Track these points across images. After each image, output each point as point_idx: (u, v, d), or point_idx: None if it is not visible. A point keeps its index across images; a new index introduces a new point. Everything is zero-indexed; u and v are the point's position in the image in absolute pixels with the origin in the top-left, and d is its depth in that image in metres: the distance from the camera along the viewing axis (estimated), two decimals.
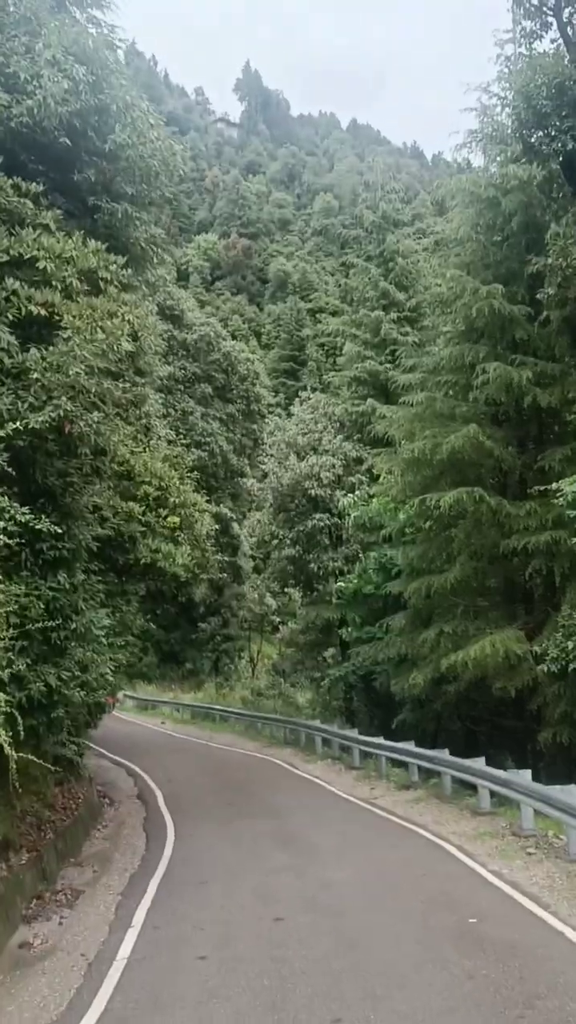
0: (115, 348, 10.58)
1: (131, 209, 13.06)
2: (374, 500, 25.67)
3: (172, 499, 15.90)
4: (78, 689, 11.52)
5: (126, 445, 12.60)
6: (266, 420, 47.71)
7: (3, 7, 11.45)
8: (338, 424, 32.58)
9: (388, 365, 31.68)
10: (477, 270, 20.05)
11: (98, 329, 10.39)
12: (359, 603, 26.25)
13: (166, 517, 15.84)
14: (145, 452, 14.98)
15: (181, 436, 29.34)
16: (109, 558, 15.19)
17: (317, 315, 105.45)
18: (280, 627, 46.48)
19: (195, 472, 20.32)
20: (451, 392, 20.70)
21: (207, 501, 22.26)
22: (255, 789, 19.40)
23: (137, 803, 18.85)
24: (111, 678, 12.83)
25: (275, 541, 34.13)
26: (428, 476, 20.19)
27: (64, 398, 9.86)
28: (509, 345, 19.33)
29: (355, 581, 26.28)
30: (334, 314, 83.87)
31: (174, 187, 14.31)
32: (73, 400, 9.93)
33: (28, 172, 11.69)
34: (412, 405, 20.87)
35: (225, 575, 42.15)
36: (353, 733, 22.50)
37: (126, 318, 11.01)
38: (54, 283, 10.68)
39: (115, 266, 11.59)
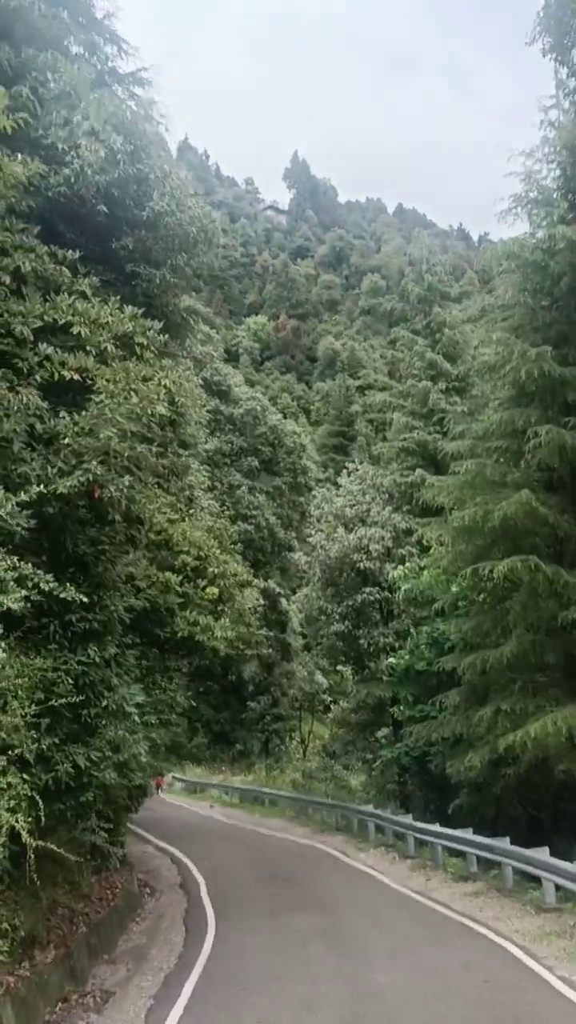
0: (149, 412, 10.26)
1: (169, 276, 12.95)
2: (425, 572, 24.85)
3: (211, 569, 15.40)
4: (110, 771, 10.85)
5: (163, 513, 12.15)
6: (313, 493, 47.44)
7: (43, 82, 11.56)
8: (387, 495, 31.98)
9: (437, 435, 31.13)
10: (526, 334, 19.53)
11: (132, 392, 10.10)
12: (411, 680, 25.20)
13: (204, 588, 15.31)
14: (184, 521, 14.51)
15: (226, 508, 29.01)
16: (146, 631, 14.64)
17: (365, 391, 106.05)
18: (331, 706, 45.21)
19: (238, 544, 19.80)
20: (501, 459, 19.99)
21: (253, 575, 21.68)
22: (303, 880, 18.30)
23: (179, 893, 17.91)
24: (144, 759, 12.14)
25: (323, 617, 33.33)
26: (480, 545, 19.40)
27: (95, 462, 9.49)
28: (561, 408, 18.64)
29: (406, 657, 25.29)
30: (383, 389, 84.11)
31: (213, 254, 14.23)
32: (104, 464, 9.56)
33: (65, 241, 11.64)
34: (461, 473, 20.24)
35: (273, 651, 41.31)
36: (407, 819, 21.26)
37: (162, 382, 10.73)
38: (88, 348, 10.45)
39: (152, 331, 11.37)
